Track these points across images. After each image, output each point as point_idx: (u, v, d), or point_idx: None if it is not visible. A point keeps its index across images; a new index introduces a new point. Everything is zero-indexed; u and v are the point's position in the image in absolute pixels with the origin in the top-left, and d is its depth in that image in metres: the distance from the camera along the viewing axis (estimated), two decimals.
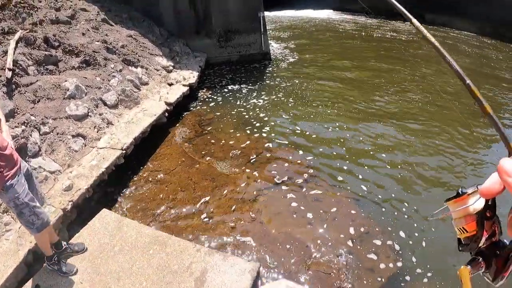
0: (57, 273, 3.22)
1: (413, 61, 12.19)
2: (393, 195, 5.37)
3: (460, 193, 0.70)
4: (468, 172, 6.09)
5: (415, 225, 4.69)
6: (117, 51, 7.20)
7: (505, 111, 8.79)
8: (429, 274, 3.96)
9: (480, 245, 0.68)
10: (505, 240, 0.67)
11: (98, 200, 4.67)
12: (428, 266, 4.07)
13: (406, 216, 4.87)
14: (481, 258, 0.68)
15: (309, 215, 4.82)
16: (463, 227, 0.69)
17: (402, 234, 4.55)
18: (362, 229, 4.57)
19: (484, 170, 6.17)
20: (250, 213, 4.82)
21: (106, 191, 4.92)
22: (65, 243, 3.49)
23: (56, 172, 4.40)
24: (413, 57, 12.83)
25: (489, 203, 0.66)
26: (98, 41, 6.96)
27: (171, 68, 8.66)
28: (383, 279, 3.90)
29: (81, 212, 4.24)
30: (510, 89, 10.15)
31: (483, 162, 6.44)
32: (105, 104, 6.11)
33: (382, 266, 4.05)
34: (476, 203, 0.67)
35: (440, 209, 0.76)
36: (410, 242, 4.42)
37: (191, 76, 8.68)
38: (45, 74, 5.68)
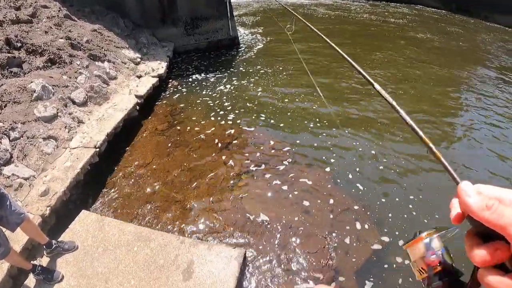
0: (44, 282, 3.24)
1: (380, 41, 12.43)
2: (369, 169, 5.65)
3: (418, 235, 0.73)
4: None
5: (394, 199, 4.98)
6: (82, 47, 7.03)
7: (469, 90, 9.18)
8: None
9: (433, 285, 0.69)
10: (465, 282, 0.67)
11: (76, 202, 4.65)
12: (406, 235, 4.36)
13: (382, 192, 5.12)
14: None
15: (290, 196, 4.99)
16: (421, 268, 0.71)
17: (381, 208, 4.80)
18: (342, 206, 4.79)
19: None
20: (231, 199, 4.93)
21: (83, 191, 4.89)
22: (55, 241, 3.49)
23: (31, 178, 4.34)
24: (381, 38, 13.07)
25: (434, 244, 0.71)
26: (62, 38, 6.76)
27: (138, 60, 8.53)
28: (368, 251, 4.13)
29: (60, 216, 4.21)
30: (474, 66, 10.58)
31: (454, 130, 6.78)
32: (74, 102, 6.01)
33: (365, 239, 4.29)
34: (432, 244, 0.71)
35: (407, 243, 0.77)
36: (390, 215, 4.68)
37: (160, 66, 8.60)
38: (9, 78, 5.51)
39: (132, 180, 5.35)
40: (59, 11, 7.44)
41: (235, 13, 12.02)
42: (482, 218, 0.52)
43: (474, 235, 0.56)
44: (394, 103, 0.79)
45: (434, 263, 0.69)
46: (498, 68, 11.03)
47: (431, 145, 0.68)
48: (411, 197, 5.02)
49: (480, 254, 0.54)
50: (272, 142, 6.26)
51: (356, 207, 4.77)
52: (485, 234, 0.54)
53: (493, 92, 9.01)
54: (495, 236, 0.52)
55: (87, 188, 4.94)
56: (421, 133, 0.71)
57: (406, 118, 0.76)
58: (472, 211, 0.54)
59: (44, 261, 3.47)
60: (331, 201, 4.86)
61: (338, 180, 5.32)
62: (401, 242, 4.25)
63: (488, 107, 8.12)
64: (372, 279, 3.81)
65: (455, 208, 0.59)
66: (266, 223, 4.50)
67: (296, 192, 5.03)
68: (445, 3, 20.08)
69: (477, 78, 9.90)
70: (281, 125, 6.90)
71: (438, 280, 0.69)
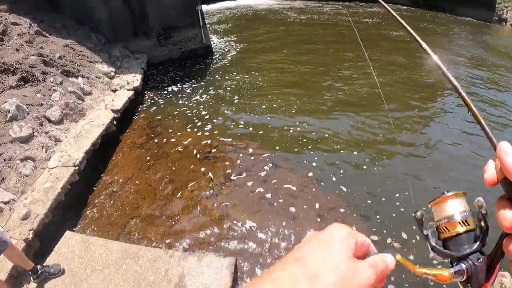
0: None
1: (353, 44, 12.69)
2: (347, 168, 5.80)
3: (445, 193, 0.68)
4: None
5: (380, 199, 5.12)
6: (55, 63, 6.90)
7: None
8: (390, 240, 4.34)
9: (463, 251, 0.65)
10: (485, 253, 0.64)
11: (59, 223, 4.54)
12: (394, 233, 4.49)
13: (368, 192, 5.26)
14: (464, 265, 0.63)
15: (275, 203, 5.03)
16: (445, 227, 0.67)
17: (368, 208, 4.92)
18: (329, 209, 4.88)
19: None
20: (215, 209, 4.94)
21: (65, 212, 4.78)
22: (40, 267, 3.41)
23: (11, 201, 4.23)
24: (352, 42, 13.34)
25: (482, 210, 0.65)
26: (34, 55, 6.62)
27: (113, 73, 8.44)
28: None
29: (44, 239, 4.11)
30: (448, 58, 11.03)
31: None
32: (49, 121, 5.89)
33: None
34: (459, 206, 0.66)
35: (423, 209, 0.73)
36: (377, 214, 4.82)
37: (135, 79, 8.53)
38: None
39: (115, 197, 5.28)
40: (29, 27, 7.28)
41: (206, 21, 12.05)
42: None
43: (506, 199, 0.54)
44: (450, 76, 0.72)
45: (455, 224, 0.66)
46: (469, 59, 11.61)
47: (472, 106, 0.66)
48: (397, 195, 5.16)
49: (509, 217, 0.51)
50: (251, 150, 6.31)
51: (342, 210, 4.86)
52: None
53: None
54: None
55: (69, 209, 4.85)
56: (464, 93, 0.68)
57: (448, 76, 0.72)
58: (510, 171, 0.50)
59: (31, 287, 3.39)
60: (317, 205, 4.93)
61: (322, 183, 5.41)
62: (389, 240, 4.36)
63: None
64: None
65: (490, 170, 0.56)
66: (254, 231, 4.53)
67: (281, 199, 5.08)
68: (412, 0, 20.75)
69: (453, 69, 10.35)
70: (260, 132, 6.96)
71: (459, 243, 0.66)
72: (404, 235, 4.40)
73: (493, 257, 0.61)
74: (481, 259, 0.62)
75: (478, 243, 0.64)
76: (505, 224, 0.52)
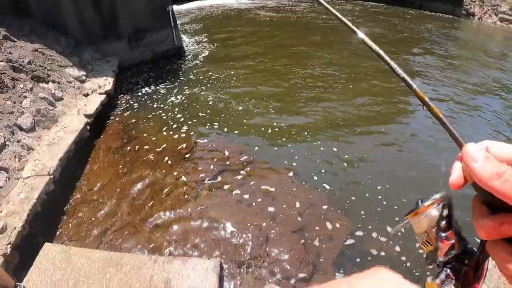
0: None
1: (324, 43, 12.91)
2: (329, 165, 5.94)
3: (420, 205, 0.65)
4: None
5: (364, 194, 5.30)
6: (24, 69, 6.70)
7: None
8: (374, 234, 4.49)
9: (443, 258, 0.64)
10: (473, 248, 0.63)
11: (37, 235, 4.45)
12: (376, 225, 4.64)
13: (350, 188, 5.42)
14: (449, 270, 0.63)
15: (253, 204, 5.10)
16: (426, 241, 0.65)
17: (351, 205, 5.06)
18: (310, 208, 4.99)
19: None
20: (197, 210, 4.96)
21: (43, 223, 4.69)
22: (21, 285, 3.35)
23: None
24: (323, 42, 13.57)
25: (443, 213, 0.64)
26: (2, 61, 6.39)
27: (84, 77, 8.27)
28: (340, 243, 4.36)
29: (23, 252, 4.02)
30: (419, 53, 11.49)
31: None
32: (21, 129, 5.74)
33: (335, 231, 4.52)
34: (436, 213, 0.64)
35: (402, 224, 0.72)
36: (360, 209, 4.96)
37: (107, 82, 8.40)
38: None
39: (92, 204, 5.21)
40: None
41: (178, 22, 11.97)
42: (491, 187, 0.46)
43: (480, 203, 0.51)
44: (381, 52, 0.69)
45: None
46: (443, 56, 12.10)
47: (427, 99, 0.61)
48: (379, 187, 5.34)
49: (484, 226, 0.49)
50: (227, 152, 6.34)
51: (325, 207, 4.98)
52: (492, 204, 0.49)
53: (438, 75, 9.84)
54: (505, 207, 0.47)
55: (47, 219, 4.74)
56: (415, 86, 0.62)
57: (396, 69, 0.66)
58: (480, 179, 0.47)
59: None
60: (298, 204, 5.03)
61: (303, 183, 5.51)
62: (374, 234, 4.51)
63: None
64: (351, 272, 4.02)
65: (456, 171, 0.53)
66: (234, 232, 4.59)
67: (259, 200, 5.15)
68: None
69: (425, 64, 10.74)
70: (236, 132, 7.02)
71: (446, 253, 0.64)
72: (389, 229, 4.56)
73: (479, 256, 0.59)
74: (466, 261, 0.61)
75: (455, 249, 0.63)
76: (481, 233, 0.50)
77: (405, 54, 11.93)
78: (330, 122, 7.35)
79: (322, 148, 6.41)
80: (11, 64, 6.52)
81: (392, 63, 0.67)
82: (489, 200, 0.49)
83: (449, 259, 0.65)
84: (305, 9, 18.90)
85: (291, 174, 5.73)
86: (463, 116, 8.07)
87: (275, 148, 6.45)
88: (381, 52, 0.69)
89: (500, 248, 0.49)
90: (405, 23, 16.66)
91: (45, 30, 8.50)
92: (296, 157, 6.13)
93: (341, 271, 4.04)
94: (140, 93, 8.92)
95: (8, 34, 7.18)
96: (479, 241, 0.58)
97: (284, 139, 6.71)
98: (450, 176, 0.53)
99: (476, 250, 0.62)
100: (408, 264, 4.09)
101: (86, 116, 6.82)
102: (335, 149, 6.37)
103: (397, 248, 4.28)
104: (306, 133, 6.92)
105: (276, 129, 7.05)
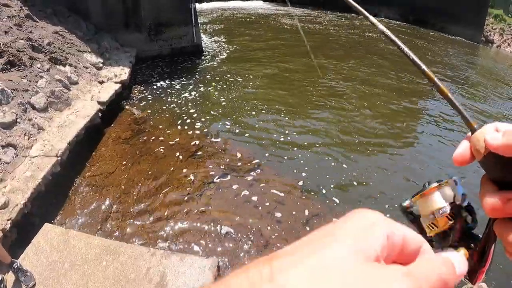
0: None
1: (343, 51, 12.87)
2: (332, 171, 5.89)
3: (427, 186, 0.62)
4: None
5: (365, 206, 5.18)
6: (43, 49, 6.71)
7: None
8: None
9: (451, 241, 0.59)
10: (479, 235, 0.59)
11: (38, 215, 4.40)
12: None
13: (358, 201, 5.34)
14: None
15: (259, 202, 5.04)
16: (432, 223, 0.61)
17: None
18: (317, 217, 4.89)
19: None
20: (200, 208, 4.89)
21: (45, 203, 4.64)
22: (16, 265, 3.27)
23: None
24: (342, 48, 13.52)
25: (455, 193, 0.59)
26: (22, 39, 6.41)
27: (101, 65, 8.28)
28: None
29: (22, 230, 3.96)
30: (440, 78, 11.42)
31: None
32: (34, 108, 5.72)
33: None
34: (444, 196, 0.60)
35: (408, 201, 0.66)
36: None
37: (123, 72, 8.39)
38: None
39: (96, 191, 5.16)
40: (20, 10, 7.04)
41: (198, 21, 12.01)
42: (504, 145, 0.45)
43: (489, 180, 0.50)
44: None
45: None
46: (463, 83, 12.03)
47: (436, 80, 0.59)
48: (386, 206, 5.24)
49: (490, 202, 0.48)
50: (239, 154, 6.27)
51: (334, 219, 4.87)
52: (501, 181, 0.49)
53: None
54: None
55: (49, 200, 4.70)
56: (423, 67, 0.61)
57: (403, 48, 0.64)
58: (497, 146, 0.45)
59: (9, 277, 3.26)
60: (306, 212, 4.93)
61: (312, 193, 5.41)
62: None
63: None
64: None
65: (462, 147, 0.52)
66: (237, 232, 4.51)
67: (267, 203, 5.07)
68: (403, 15, 21.19)
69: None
70: (247, 135, 6.95)
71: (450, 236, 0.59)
72: None
73: (486, 239, 0.56)
74: (472, 244, 0.57)
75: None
76: (486, 209, 0.49)
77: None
78: (343, 137, 7.25)
79: (333, 164, 6.27)
80: (30, 43, 6.54)
81: (403, 47, 0.64)
82: (498, 176, 0.49)
83: (456, 241, 0.59)
84: (330, 21, 18.86)
85: (300, 183, 5.62)
86: None
87: (285, 157, 6.33)
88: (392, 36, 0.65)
89: (507, 228, 0.48)
90: (428, 45, 16.59)
91: (68, 14, 8.54)
92: (306, 168, 6.01)
93: None
94: (155, 86, 8.91)
95: (30, 14, 7.22)
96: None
97: (295, 148, 6.59)
98: (455, 152, 0.52)
99: (482, 234, 0.58)
100: None
101: (99, 103, 6.80)
102: (345, 166, 6.25)
103: None
104: (317, 145, 6.80)
105: (288, 138, 6.95)
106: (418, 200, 0.64)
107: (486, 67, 15.73)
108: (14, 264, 3.27)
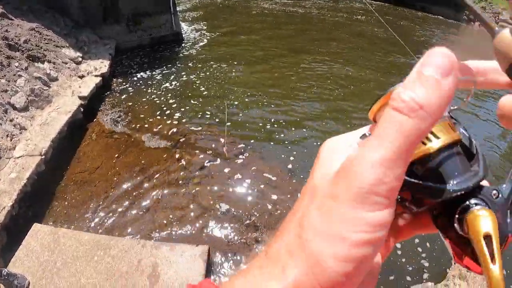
0: None
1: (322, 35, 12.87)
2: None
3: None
4: None
5: None
6: (20, 47, 6.65)
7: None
8: None
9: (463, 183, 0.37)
10: None
11: (26, 216, 4.47)
12: None
13: None
14: None
15: (247, 186, 5.23)
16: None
17: None
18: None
19: None
20: (188, 195, 5.01)
21: (32, 203, 4.70)
22: (6, 271, 3.28)
23: None
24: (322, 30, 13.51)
25: None
26: None
27: (80, 59, 8.23)
28: None
29: (11, 233, 4.04)
30: None
31: None
32: (14, 108, 5.72)
33: None
34: None
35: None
36: None
37: (102, 65, 8.36)
38: None
39: (83, 187, 5.22)
40: None
41: (177, 9, 11.89)
42: None
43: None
44: None
45: None
46: None
47: None
48: None
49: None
50: (222, 140, 6.35)
51: None
52: None
53: None
54: None
55: (37, 200, 4.76)
56: None
57: None
58: None
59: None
60: (299, 195, 5.06)
61: (302, 176, 5.54)
62: None
63: None
64: None
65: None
66: (227, 215, 4.67)
67: (253, 181, 5.26)
68: None
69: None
70: (229, 123, 7.03)
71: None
72: None
73: None
74: (495, 191, 0.35)
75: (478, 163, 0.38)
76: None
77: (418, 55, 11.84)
78: (331, 113, 7.41)
79: (320, 143, 6.41)
80: (7, 42, 6.47)
81: None
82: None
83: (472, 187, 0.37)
84: (314, 3, 18.67)
85: (290, 166, 5.77)
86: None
87: (272, 143, 6.44)
88: None
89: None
90: (413, 25, 16.65)
91: (44, 10, 8.42)
92: (294, 152, 6.13)
93: None
94: (135, 78, 8.87)
95: (5, 12, 7.11)
96: None
97: (282, 135, 6.69)
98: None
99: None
100: (409, 268, 4.21)
101: (80, 98, 6.81)
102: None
103: (399, 252, 4.37)
104: (304, 130, 6.92)
105: (274, 124, 7.02)
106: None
107: (473, 47, 15.82)
108: (3, 271, 3.31)
